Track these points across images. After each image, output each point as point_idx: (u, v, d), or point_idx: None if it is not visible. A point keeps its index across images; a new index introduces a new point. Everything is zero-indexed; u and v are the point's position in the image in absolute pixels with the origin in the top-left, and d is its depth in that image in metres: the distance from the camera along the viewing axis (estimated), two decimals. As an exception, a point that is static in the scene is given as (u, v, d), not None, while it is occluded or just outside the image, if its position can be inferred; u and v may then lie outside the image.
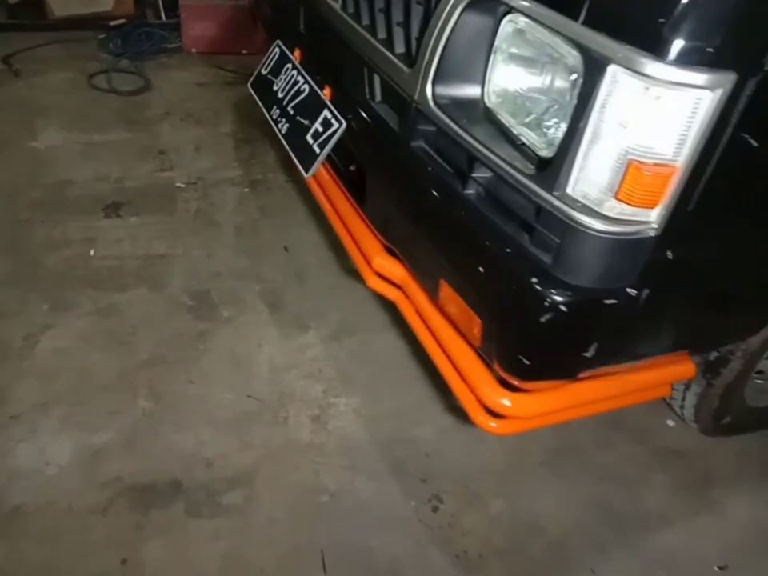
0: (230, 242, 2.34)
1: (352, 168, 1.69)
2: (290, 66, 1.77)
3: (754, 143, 0.91)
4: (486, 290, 1.14)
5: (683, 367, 1.51)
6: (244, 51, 3.67)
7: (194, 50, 3.62)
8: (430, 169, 1.22)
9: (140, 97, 3.16)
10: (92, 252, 2.20)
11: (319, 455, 1.67)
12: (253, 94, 1.90)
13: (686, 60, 0.79)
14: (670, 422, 1.87)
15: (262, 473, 1.61)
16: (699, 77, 0.80)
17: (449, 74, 1.15)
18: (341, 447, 1.69)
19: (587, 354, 1.12)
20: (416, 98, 1.21)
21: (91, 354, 1.86)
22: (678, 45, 0.79)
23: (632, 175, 0.88)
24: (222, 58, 3.56)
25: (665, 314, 1.14)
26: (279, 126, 1.72)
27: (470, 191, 1.14)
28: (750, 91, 0.84)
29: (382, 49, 1.32)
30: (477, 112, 1.14)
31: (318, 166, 1.54)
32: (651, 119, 0.85)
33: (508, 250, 1.07)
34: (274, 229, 2.41)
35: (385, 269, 1.60)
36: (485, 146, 1.08)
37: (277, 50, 1.85)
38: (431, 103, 1.17)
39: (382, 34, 1.34)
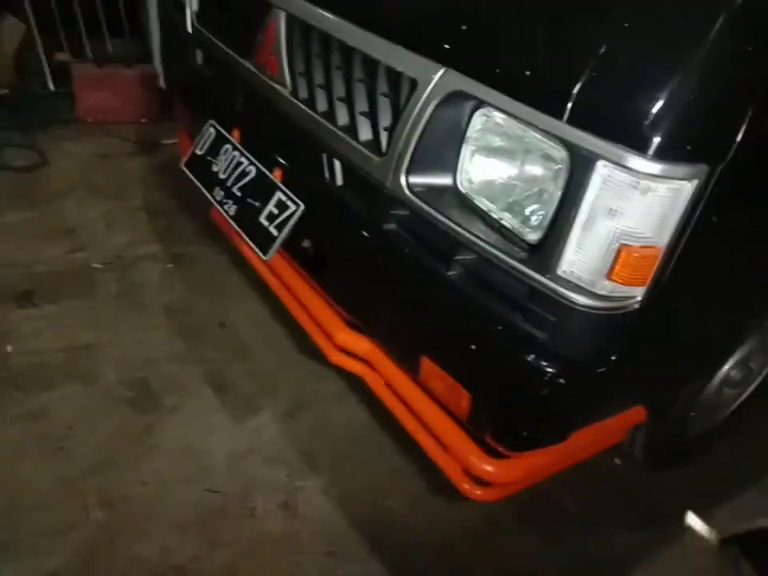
0: (161, 323, 2.23)
1: (306, 245, 1.68)
2: (229, 146, 1.75)
3: (716, 220, 1.02)
4: (479, 368, 1.17)
5: (636, 413, 1.62)
6: (143, 120, 3.58)
7: (89, 120, 3.46)
8: (407, 251, 1.25)
9: (37, 172, 2.97)
10: (9, 348, 2.01)
11: (296, 545, 1.60)
12: (189, 174, 1.85)
13: (668, 156, 0.89)
14: (617, 461, 1.98)
15: (241, 573, 1.51)
16: (681, 170, 0.90)
17: (422, 163, 1.19)
18: (316, 533, 1.64)
19: (579, 419, 1.18)
20: (388, 184, 1.24)
21: (24, 466, 1.68)
22: (661, 143, 0.88)
23: (623, 258, 0.96)
24: (120, 128, 3.44)
25: (639, 375, 1.23)
26: (225, 207, 1.69)
27: (454, 272, 1.18)
28: (716, 178, 0.95)
29: (344, 136, 1.35)
30: (453, 197, 1.19)
31: (277, 248, 1.53)
32: (640, 208, 0.93)
33: (500, 328, 1.12)
34: (207, 305, 2.33)
35: (349, 343, 1.60)
36: (468, 231, 1.13)
37: (212, 130, 1.82)
38: (406, 191, 1.21)
39: (343, 122, 1.36)
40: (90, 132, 3.39)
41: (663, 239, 0.98)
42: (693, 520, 0.78)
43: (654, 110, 0.87)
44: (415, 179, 1.21)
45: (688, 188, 0.93)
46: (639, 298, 1.04)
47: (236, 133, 1.77)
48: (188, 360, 2.09)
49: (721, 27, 0.85)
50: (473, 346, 1.15)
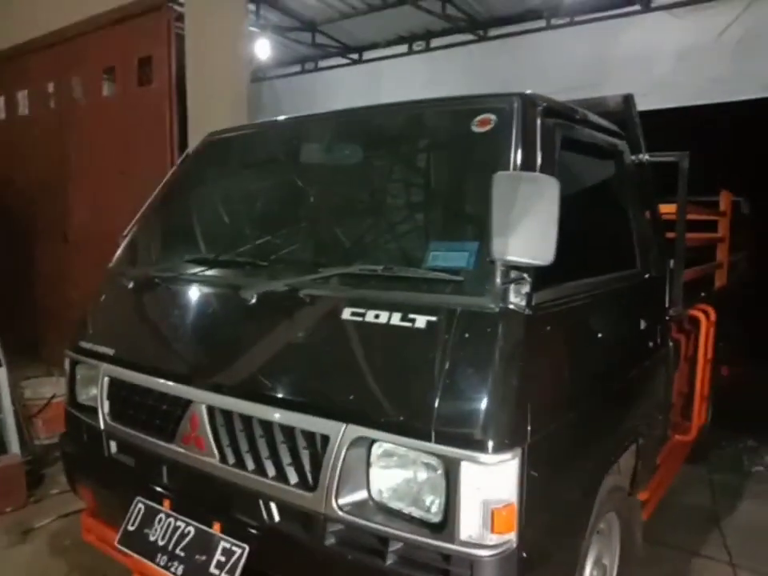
0: None
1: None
2: (162, 515, 2.07)
3: (535, 474, 1.65)
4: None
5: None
6: (8, 509, 3.61)
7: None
8: (349, 557, 1.68)
9: None
10: None
11: None
12: (125, 550, 2.10)
13: (498, 450, 1.53)
14: None
15: None
16: (508, 455, 1.54)
17: (345, 488, 1.70)
18: None
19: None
20: (323, 510, 1.71)
21: None
22: (492, 444, 1.52)
23: (497, 516, 1.53)
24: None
25: None
26: (172, 569, 1.95)
27: (390, 561, 1.63)
28: (526, 452, 1.60)
29: (276, 483, 1.81)
30: (372, 505, 1.69)
31: (240, 593, 1.83)
32: (494, 482, 1.53)
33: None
34: None
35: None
36: (390, 528, 1.63)
37: (140, 506, 2.14)
38: (338, 512, 1.69)
39: (272, 473, 1.84)
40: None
41: (513, 496, 1.57)
42: None
43: (483, 428, 1.54)
44: (342, 500, 1.70)
45: (514, 463, 1.56)
46: (514, 539, 1.58)
47: (166, 502, 2.11)
48: None
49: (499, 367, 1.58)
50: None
